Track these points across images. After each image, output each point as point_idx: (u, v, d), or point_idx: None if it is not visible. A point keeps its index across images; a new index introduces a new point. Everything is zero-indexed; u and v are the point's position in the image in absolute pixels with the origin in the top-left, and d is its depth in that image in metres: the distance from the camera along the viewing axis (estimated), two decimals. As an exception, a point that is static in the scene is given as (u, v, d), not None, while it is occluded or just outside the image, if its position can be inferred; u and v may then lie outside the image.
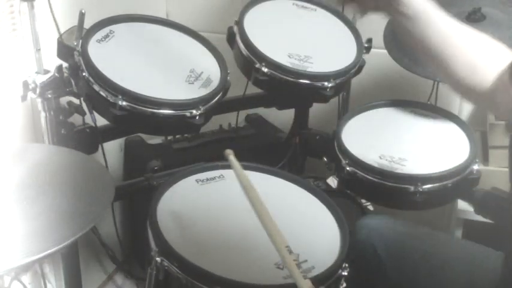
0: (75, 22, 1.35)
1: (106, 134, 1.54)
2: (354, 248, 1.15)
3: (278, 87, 1.50)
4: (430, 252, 1.19)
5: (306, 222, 1.25)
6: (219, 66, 1.49)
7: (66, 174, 1.16)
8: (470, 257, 1.18)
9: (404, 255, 1.19)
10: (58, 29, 1.39)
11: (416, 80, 1.61)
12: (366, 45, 1.62)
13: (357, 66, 1.58)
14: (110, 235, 1.74)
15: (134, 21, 1.51)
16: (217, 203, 1.26)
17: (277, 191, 1.33)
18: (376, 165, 1.42)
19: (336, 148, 1.50)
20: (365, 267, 1.23)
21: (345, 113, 1.76)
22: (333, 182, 1.61)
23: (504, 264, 1.05)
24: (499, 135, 1.74)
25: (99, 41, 1.41)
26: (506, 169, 1.10)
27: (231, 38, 1.56)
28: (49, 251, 0.95)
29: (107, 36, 1.43)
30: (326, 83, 1.49)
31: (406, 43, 1.05)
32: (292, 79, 1.47)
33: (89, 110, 1.43)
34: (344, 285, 1.12)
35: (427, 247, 1.21)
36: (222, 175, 1.32)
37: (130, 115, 1.31)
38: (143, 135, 1.93)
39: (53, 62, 1.42)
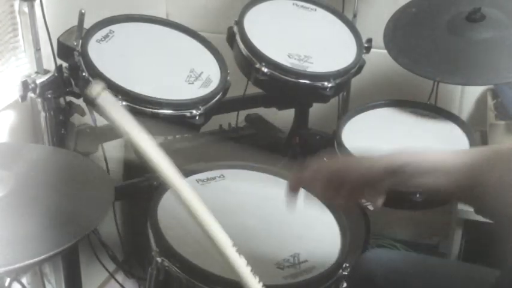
0: (75, 22, 1.35)
1: (106, 134, 1.54)
2: (352, 280, 1.15)
3: (278, 87, 1.50)
4: (426, 276, 1.19)
5: (306, 222, 1.25)
6: (219, 66, 1.48)
7: (66, 175, 1.16)
8: (467, 278, 1.18)
9: (402, 282, 1.19)
10: (48, 32, 1.39)
11: (416, 80, 1.61)
12: (366, 45, 1.62)
13: (357, 66, 1.58)
14: (110, 235, 1.74)
15: (134, 21, 1.50)
16: (218, 202, 1.26)
17: (277, 191, 1.33)
18: (376, 165, 1.42)
19: (336, 148, 1.50)
20: None
21: (345, 113, 1.76)
22: (333, 182, 1.61)
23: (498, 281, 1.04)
24: (499, 135, 1.73)
25: (99, 41, 1.40)
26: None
27: (231, 38, 1.56)
28: (49, 254, 0.95)
29: (106, 36, 1.42)
30: (326, 83, 1.49)
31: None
32: (292, 79, 1.47)
33: (89, 110, 1.43)
34: (344, 285, 1.12)
35: (423, 272, 1.20)
36: (222, 175, 1.32)
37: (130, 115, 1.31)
38: (143, 135, 1.93)
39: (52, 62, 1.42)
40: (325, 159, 0.98)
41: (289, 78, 1.47)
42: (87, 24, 1.37)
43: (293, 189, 0.99)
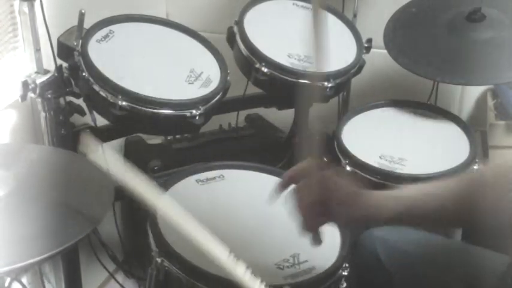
0: (75, 22, 1.35)
1: (106, 134, 1.54)
2: (358, 258, 1.15)
3: (278, 87, 1.50)
4: (432, 256, 1.19)
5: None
6: (219, 66, 1.48)
7: (66, 175, 1.16)
8: (472, 259, 1.18)
9: (407, 262, 1.19)
10: (48, 32, 1.39)
11: (416, 80, 1.61)
12: (366, 45, 1.62)
13: (357, 66, 1.58)
14: (110, 235, 1.74)
15: (134, 21, 1.50)
16: (218, 203, 1.26)
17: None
18: (376, 165, 1.42)
19: (336, 148, 1.50)
20: (369, 276, 1.23)
21: (345, 113, 1.76)
22: (333, 182, 1.61)
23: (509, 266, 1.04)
24: (499, 135, 1.73)
25: (99, 41, 1.41)
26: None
27: (231, 38, 1.56)
28: (49, 253, 0.95)
29: (106, 36, 1.42)
30: (326, 83, 1.49)
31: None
32: (292, 79, 1.47)
33: (89, 110, 1.43)
34: (344, 285, 1.12)
35: (428, 252, 1.20)
36: (222, 175, 1.32)
37: (130, 115, 1.31)
38: (143, 135, 1.93)
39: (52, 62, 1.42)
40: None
41: (289, 78, 1.47)
42: (87, 24, 1.37)
43: (283, 186, 1.01)
